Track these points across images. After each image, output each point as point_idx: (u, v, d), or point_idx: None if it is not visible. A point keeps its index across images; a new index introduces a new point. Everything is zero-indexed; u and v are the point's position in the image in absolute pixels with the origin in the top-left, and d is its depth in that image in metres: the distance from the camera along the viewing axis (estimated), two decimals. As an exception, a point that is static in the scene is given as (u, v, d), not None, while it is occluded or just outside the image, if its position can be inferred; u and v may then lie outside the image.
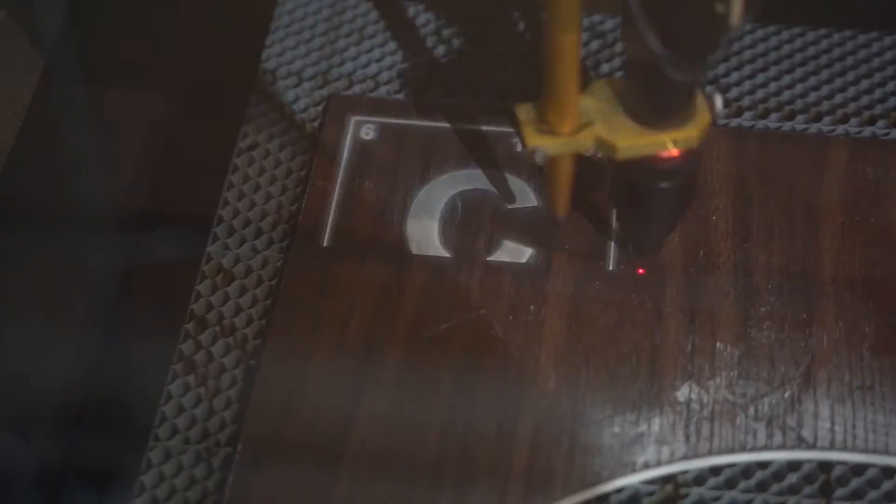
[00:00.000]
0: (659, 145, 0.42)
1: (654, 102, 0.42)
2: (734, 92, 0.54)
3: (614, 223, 0.49)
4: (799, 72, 0.55)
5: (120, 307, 0.49)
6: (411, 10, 0.57)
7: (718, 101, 0.42)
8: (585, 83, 0.42)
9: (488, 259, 0.49)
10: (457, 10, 0.57)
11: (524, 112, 0.42)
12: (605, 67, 0.54)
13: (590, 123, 0.42)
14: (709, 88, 0.45)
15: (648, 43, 0.38)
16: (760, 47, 0.55)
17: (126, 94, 0.54)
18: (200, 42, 0.56)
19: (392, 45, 0.56)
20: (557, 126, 0.42)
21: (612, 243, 0.49)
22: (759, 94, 0.54)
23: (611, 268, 0.49)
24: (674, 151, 0.43)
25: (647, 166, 0.43)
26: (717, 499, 0.45)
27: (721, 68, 0.55)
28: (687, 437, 0.46)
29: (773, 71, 0.55)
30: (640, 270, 0.49)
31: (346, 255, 0.50)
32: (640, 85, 0.42)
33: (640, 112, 0.42)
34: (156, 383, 0.47)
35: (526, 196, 0.51)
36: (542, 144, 0.42)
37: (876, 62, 0.55)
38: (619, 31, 0.54)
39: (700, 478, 0.46)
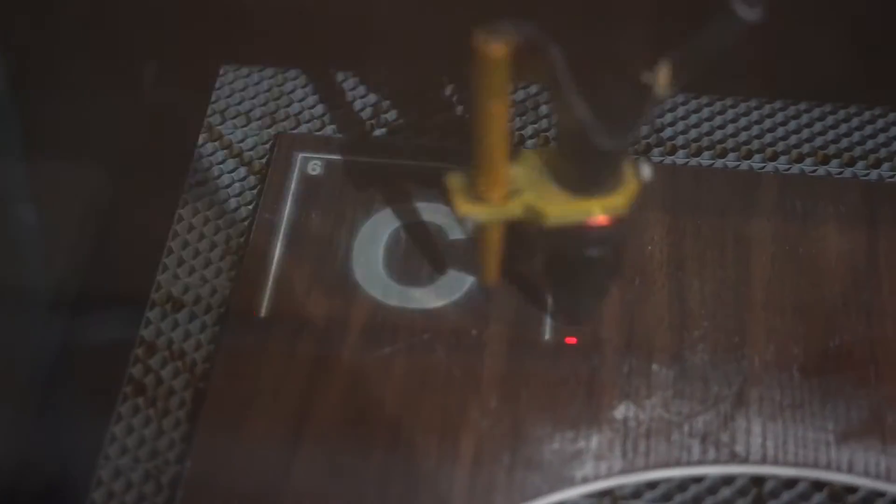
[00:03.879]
0: (587, 212, 0.43)
1: (582, 170, 0.42)
2: (668, 132, 0.56)
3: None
4: (730, 113, 0.57)
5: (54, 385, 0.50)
6: (356, 55, 0.58)
7: (646, 170, 0.43)
8: (518, 153, 0.43)
9: (432, 286, 0.51)
10: (401, 54, 0.59)
11: (455, 180, 0.43)
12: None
13: (519, 191, 0.43)
14: (637, 156, 0.46)
15: (576, 112, 0.38)
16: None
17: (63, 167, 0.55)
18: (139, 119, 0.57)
19: (339, 88, 0.58)
20: (487, 194, 0.43)
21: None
22: (693, 133, 0.56)
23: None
24: (602, 219, 0.43)
25: (577, 234, 0.44)
26: (653, 511, 0.46)
27: (656, 109, 0.57)
28: (624, 453, 0.47)
29: (705, 112, 0.57)
30: (571, 340, 0.50)
31: (293, 284, 0.51)
32: (568, 153, 0.42)
33: (568, 180, 0.43)
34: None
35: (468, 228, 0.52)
36: (471, 212, 0.43)
37: (803, 105, 0.57)
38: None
39: (637, 492, 0.47)
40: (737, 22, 0.36)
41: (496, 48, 0.37)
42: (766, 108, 0.57)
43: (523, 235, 0.46)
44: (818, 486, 0.47)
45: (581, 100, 0.39)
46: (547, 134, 0.56)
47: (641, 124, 0.40)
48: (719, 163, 0.55)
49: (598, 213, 0.43)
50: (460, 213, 0.43)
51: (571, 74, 0.38)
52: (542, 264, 0.48)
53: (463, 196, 0.43)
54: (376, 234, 0.52)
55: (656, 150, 0.55)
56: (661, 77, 0.37)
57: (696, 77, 0.39)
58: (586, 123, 0.39)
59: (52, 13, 0.44)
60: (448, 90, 0.58)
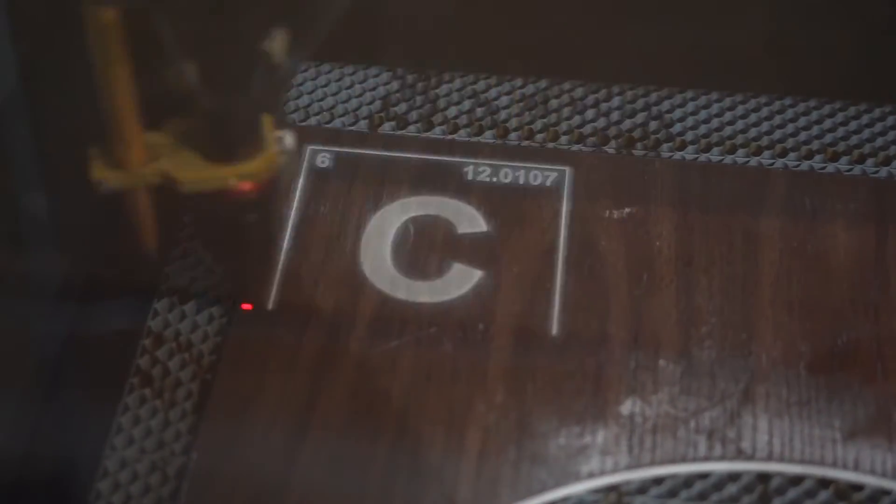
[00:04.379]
0: (224, 180, 0.44)
1: (217, 137, 0.43)
2: (677, 127, 0.56)
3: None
4: (740, 109, 0.57)
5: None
6: (366, 47, 0.58)
7: (288, 138, 0.44)
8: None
9: (439, 280, 0.51)
10: (410, 48, 0.59)
11: (96, 147, 0.43)
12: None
13: (157, 158, 0.43)
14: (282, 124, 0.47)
15: (186, 75, 0.39)
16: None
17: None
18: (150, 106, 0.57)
19: (347, 80, 0.58)
20: (124, 160, 0.43)
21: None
22: (702, 129, 0.56)
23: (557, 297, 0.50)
24: (245, 185, 0.44)
25: (222, 200, 0.44)
26: (659, 507, 0.46)
27: (665, 104, 0.57)
28: (630, 449, 0.47)
29: (715, 108, 0.57)
30: (244, 305, 0.50)
31: (300, 276, 0.51)
32: (199, 119, 0.43)
33: (207, 147, 0.43)
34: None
35: (476, 222, 0.52)
36: (106, 178, 0.43)
37: (813, 102, 0.57)
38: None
39: (643, 488, 0.47)
40: None
41: (106, 13, 0.38)
42: (776, 105, 0.57)
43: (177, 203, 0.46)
44: (824, 483, 0.47)
45: (187, 60, 0.39)
46: (556, 128, 0.56)
47: (258, 89, 0.41)
48: (728, 159, 0.55)
49: (233, 180, 0.43)
50: (94, 177, 0.43)
51: (182, 36, 0.39)
52: (201, 232, 0.49)
53: (100, 161, 0.43)
54: (384, 227, 0.52)
55: (665, 146, 0.55)
56: (277, 44, 0.37)
57: (317, 46, 0.40)
58: (191, 83, 0.40)
59: (68, 3, 0.44)
60: (458, 83, 0.58)
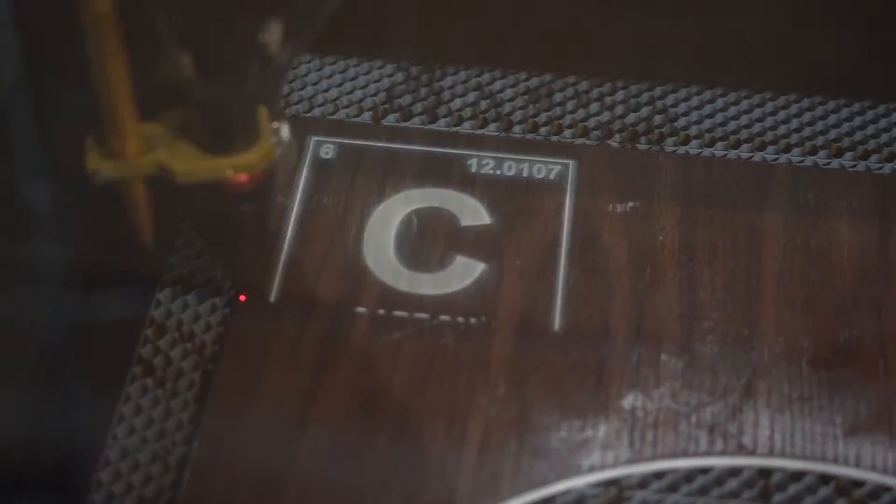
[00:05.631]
0: (219, 171, 0.44)
1: (213, 128, 0.43)
2: (682, 121, 0.56)
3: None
4: (745, 104, 0.57)
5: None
6: (371, 39, 0.58)
7: (284, 130, 0.44)
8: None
9: (442, 272, 0.51)
10: (415, 40, 0.59)
11: (92, 138, 0.43)
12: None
13: (152, 149, 0.43)
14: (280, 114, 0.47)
15: (181, 65, 0.40)
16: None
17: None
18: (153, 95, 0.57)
19: (352, 72, 0.58)
20: (120, 151, 0.43)
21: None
22: (706, 123, 0.56)
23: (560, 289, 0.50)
24: (241, 177, 0.44)
25: (218, 191, 0.45)
26: (659, 502, 0.46)
27: (670, 99, 0.57)
28: (632, 443, 0.47)
29: (720, 102, 0.57)
30: (242, 297, 0.50)
31: (303, 267, 0.51)
32: (200, 111, 0.43)
33: (203, 138, 0.43)
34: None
35: (479, 214, 0.52)
36: (101, 168, 0.44)
37: (817, 98, 0.57)
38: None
39: (644, 482, 0.47)
40: None
41: (101, 3, 0.38)
42: (781, 100, 0.57)
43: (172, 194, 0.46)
44: (825, 479, 0.47)
45: (184, 50, 0.39)
46: (560, 121, 0.56)
47: (257, 80, 0.41)
48: (732, 154, 0.55)
49: (229, 171, 0.43)
50: (90, 167, 0.43)
51: (178, 27, 0.39)
52: (197, 223, 0.49)
53: (96, 152, 0.43)
54: (387, 218, 0.52)
55: (670, 140, 0.55)
56: (273, 35, 0.37)
57: (313, 38, 0.40)
58: (187, 74, 0.40)
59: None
60: (462, 75, 0.58)
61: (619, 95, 0.58)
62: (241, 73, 0.41)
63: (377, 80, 0.58)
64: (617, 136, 0.56)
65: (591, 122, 0.56)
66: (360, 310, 0.50)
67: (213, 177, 0.44)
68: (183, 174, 0.44)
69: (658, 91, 0.57)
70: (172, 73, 0.41)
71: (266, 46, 0.39)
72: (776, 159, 0.54)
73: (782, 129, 0.55)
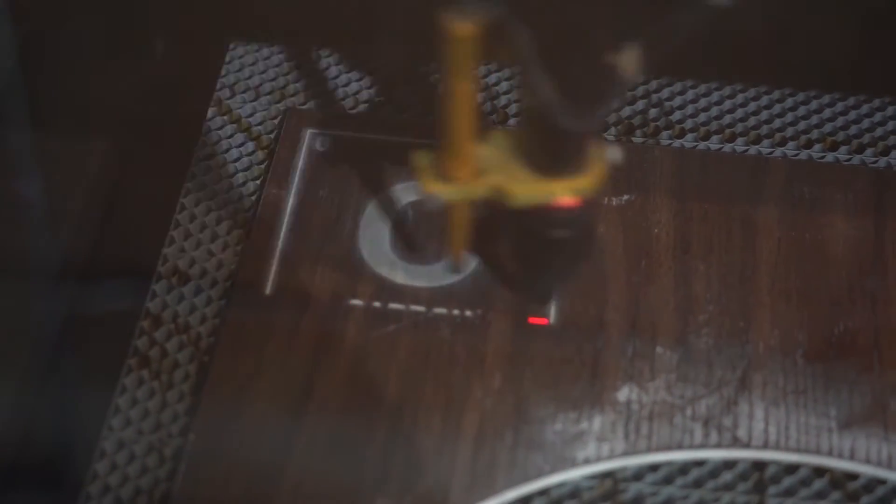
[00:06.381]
0: (553, 193, 0.43)
1: (548, 151, 0.43)
2: (677, 115, 0.56)
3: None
4: (740, 98, 0.57)
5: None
6: (365, 32, 0.58)
7: (615, 153, 0.43)
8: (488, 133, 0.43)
9: (437, 264, 0.51)
10: (410, 33, 0.59)
11: (423, 159, 0.43)
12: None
13: (486, 171, 0.43)
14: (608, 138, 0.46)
15: (542, 92, 0.38)
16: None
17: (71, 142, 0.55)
18: (149, 89, 0.57)
19: (348, 64, 0.58)
20: (454, 174, 0.43)
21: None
22: (702, 117, 0.56)
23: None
24: (569, 200, 0.43)
25: (544, 215, 0.44)
26: (654, 494, 0.46)
27: (665, 92, 0.57)
28: (627, 436, 0.47)
29: (715, 96, 0.57)
30: (533, 320, 0.50)
31: (299, 259, 0.51)
32: (535, 134, 0.42)
33: (535, 161, 0.43)
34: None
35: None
36: (438, 191, 0.44)
37: (813, 92, 0.57)
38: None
39: (638, 474, 0.47)
40: (706, 7, 0.36)
41: (463, 27, 0.38)
42: (776, 94, 0.57)
43: (493, 216, 0.46)
44: (819, 472, 0.47)
45: (547, 80, 0.38)
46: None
47: (608, 106, 0.40)
48: (727, 147, 0.55)
49: (564, 194, 0.43)
50: (427, 191, 0.44)
51: (538, 55, 0.38)
52: (510, 245, 0.48)
53: (430, 174, 0.43)
54: (383, 211, 0.52)
55: (665, 133, 0.55)
56: (629, 60, 0.37)
57: (664, 61, 0.39)
58: (552, 104, 0.39)
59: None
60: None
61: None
62: (602, 97, 0.40)
63: (373, 73, 0.57)
64: (613, 129, 0.56)
65: (587, 116, 0.56)
66: (356, 302, 0.50)
67: (546, 199, 0.44)
68: (519, 197, 0.44)
69: (654, 84, 0.57)
70: (532, 96, 0.40)
71: (621, 70, 0.38)
72: (771, 153, 0.55)
73: (777, 123, 0.56)
